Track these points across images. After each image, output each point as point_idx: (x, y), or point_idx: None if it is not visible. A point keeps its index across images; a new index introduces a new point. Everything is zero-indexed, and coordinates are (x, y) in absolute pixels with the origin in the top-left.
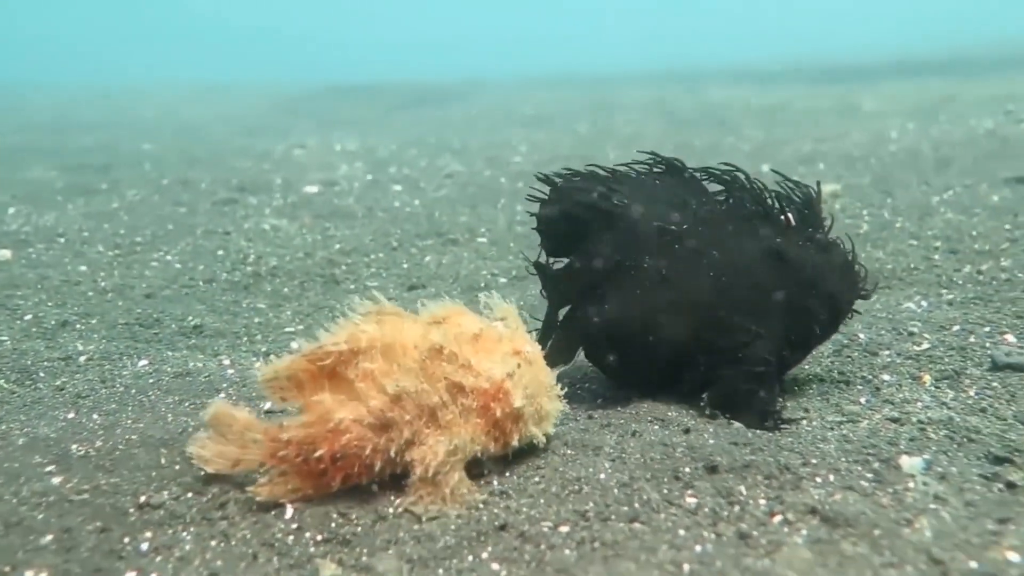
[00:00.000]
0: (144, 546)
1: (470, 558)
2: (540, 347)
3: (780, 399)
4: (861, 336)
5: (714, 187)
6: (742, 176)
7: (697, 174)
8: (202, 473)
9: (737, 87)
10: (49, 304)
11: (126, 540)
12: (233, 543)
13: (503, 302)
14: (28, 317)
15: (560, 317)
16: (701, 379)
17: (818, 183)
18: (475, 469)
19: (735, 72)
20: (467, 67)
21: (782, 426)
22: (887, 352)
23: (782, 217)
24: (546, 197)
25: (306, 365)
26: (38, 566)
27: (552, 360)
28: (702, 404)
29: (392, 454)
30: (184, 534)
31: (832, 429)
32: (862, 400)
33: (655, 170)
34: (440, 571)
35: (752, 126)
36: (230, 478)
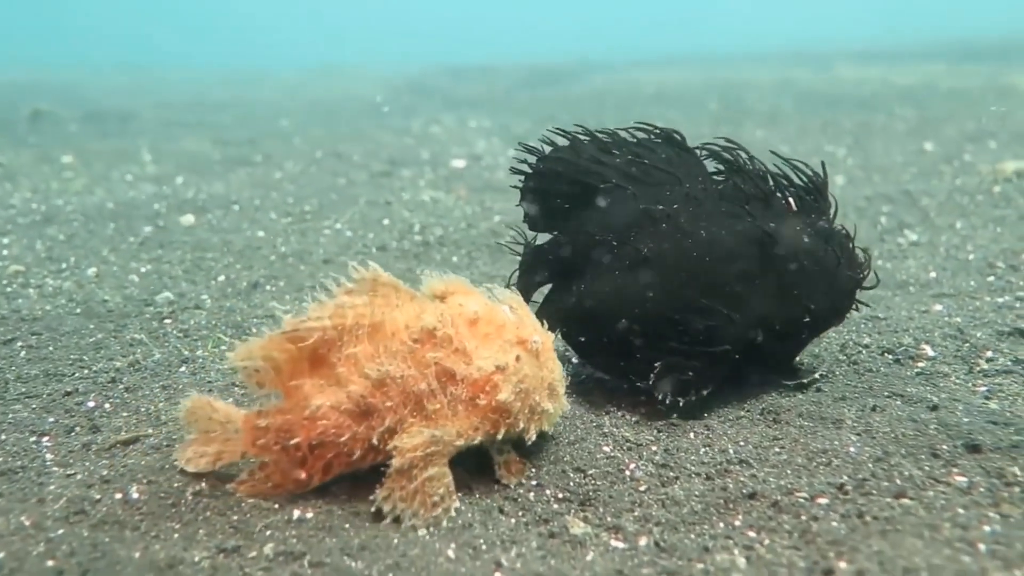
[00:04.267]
0: None
1: None
2: (551, 337)
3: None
4: None
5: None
6: (744, 155)
7: (696, 150)
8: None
9: (869, 66)
10: (238, 266)
11: (377, 487)
12: (477, 495)
13: (508, 291)
14: (221, 278)
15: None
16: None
17: (823, 164)
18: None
19: (861, 51)
20: (571, 49)
21: (685, 408)
22: None
23: (783, 201)
24: (530, 171)
25: (285, 345)
26: (302, 506)
27: None
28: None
29: (375, 442)
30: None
31: None
32: None
33: (652, 139)
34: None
35: (900, 105)
36: None
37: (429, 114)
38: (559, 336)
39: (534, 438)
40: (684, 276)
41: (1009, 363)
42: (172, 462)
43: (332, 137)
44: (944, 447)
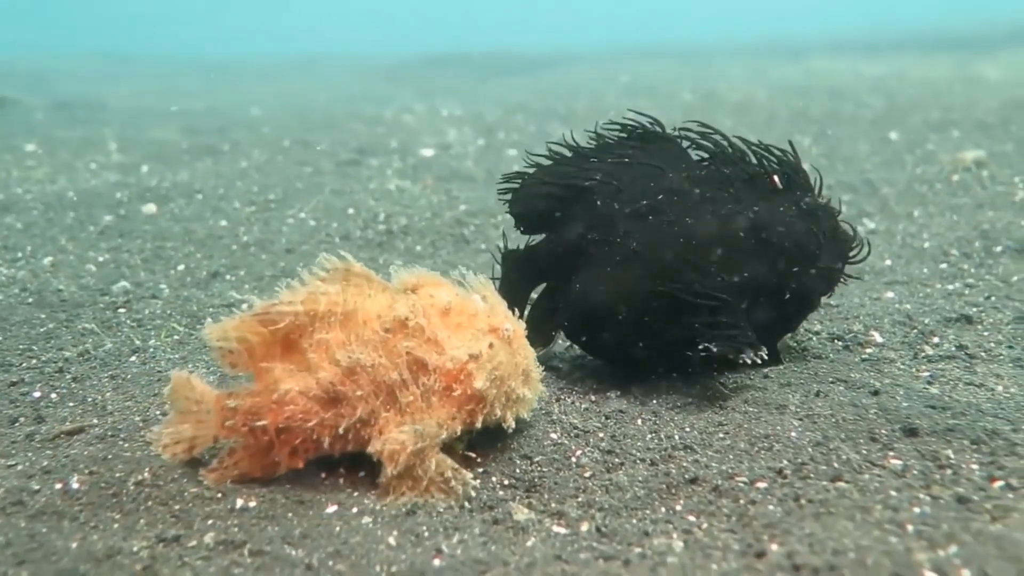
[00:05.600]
0: (341, 480)
1: None
2: (522, 325)
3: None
4: None
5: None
6: (719, 138)
7: (678, 138)
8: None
9: (842, 57)
10: (198, 256)
11: (323, 474)
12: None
13: (480, 279)
14: (181, 267)
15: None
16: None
17: (790, 143)
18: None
19: (836, 42)
20: (547, 39)
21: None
22: None
23: (767, 180)
24: (517, 187)
25: (257, 328)
26: (246, 495)
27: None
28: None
29: (341, 431)
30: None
31: None
32: None
33: (633, 136)
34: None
35: (869, 94)
36: None
37: (402, 102)
38: (562, 335)
39: (513, 425)
40: (674, 266)
41: (953, 348)
42: (116, 451)
43: (302, 126)
44: (883, 431)
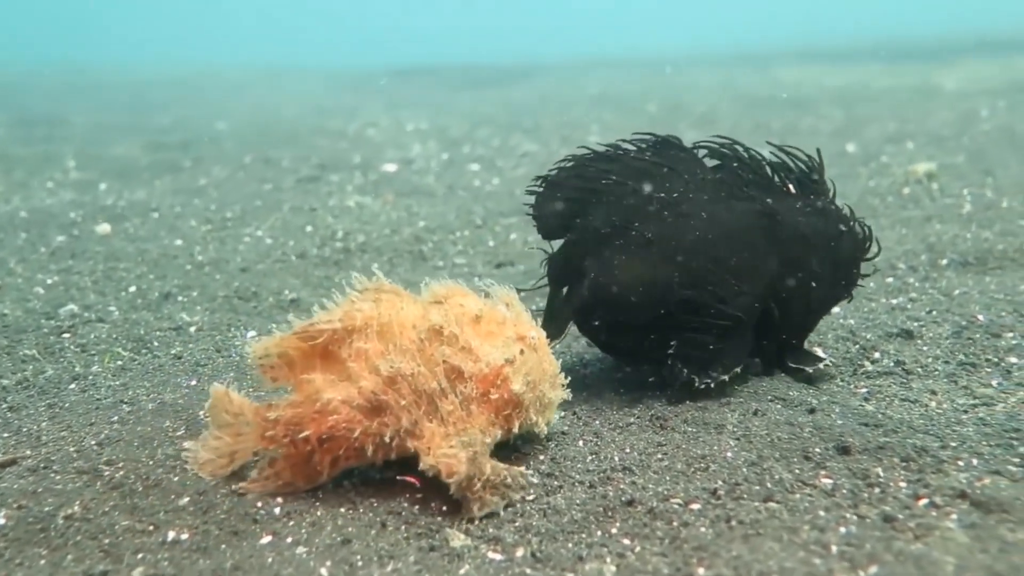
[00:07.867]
0: (277, 510)
1: None
2: (544, 334)
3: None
4: (980, 318)
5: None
6: (740, 148)
7: (695, 149)
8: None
9: (807, 67)
10: (151, 276)
11: (259, 504)
12: (361, 510)
13: (503, 289)
14: (132, 289)
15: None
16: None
17: (818, 151)
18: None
19: (802, 52)
20: (520, 50)
21: (711, 383)
22: (1011, 334)
23: (781, 186)
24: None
25: (297, 343)
26: (178, 527)
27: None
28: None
29: (387, 439)
30: (314, 500)
31: (966, 412)
32: (993, 383)
33: (650, 146)
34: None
35: (830, 106)
36: None
37: (368, 116)
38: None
39: (545, 431)
40: (688, 255)
41: (892, 364)
42: (47, 484)
43: (265, 141)
44: (816, 450)
